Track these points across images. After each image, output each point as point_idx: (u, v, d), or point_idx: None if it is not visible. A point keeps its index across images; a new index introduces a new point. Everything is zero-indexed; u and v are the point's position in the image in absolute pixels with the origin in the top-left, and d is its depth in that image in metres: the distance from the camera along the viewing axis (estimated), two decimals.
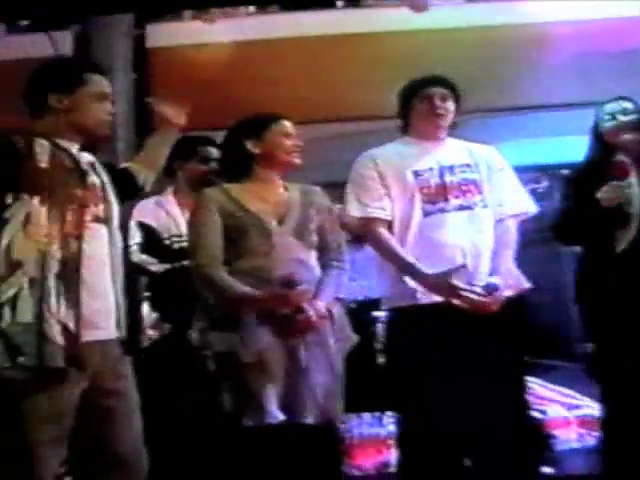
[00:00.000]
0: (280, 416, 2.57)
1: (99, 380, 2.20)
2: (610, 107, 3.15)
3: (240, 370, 2.58)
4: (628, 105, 3.13)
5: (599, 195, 2.93)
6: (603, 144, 3.13)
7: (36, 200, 2.12)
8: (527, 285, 2.87)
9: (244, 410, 2.58)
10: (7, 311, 2.07)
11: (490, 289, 2.71)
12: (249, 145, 2.79)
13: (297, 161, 2.82)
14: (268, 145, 2.79)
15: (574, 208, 3.05)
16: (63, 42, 4.87)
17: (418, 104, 2.98)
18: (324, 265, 2.78)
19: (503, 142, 4.14)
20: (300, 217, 2.76)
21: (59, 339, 2.08)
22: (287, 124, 2.84)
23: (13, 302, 2.07)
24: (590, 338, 3.13)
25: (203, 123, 4.52)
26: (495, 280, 2.75)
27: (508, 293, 2.80)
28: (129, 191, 2.54)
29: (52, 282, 2.09)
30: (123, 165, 2.64)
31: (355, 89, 4.94)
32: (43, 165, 2.15)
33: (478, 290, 2.71)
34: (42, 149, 2.18)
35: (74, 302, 2.11)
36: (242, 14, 5.23)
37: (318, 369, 2.65)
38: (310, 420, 2.61)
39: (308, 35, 5.15)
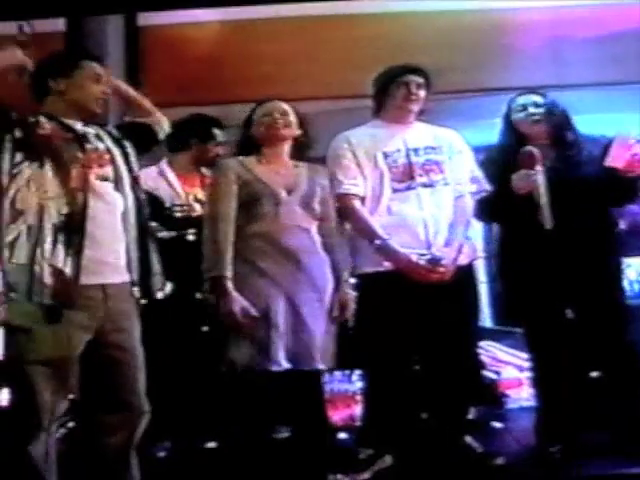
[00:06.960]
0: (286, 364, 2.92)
1: (102, 334, 2.46)
2: (522, 99, 3.29)
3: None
4: (539, 99, 3.27)
5: (512, 183, 3.13)
6: (514, 131, 3.29)
7: (36, 165, 2.41)
8: (481, 254, 3.10)
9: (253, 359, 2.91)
10: (6, 253, 2.38)
11: (432, 262, 3.01)
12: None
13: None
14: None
15: (494, 190, 3.20)
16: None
17: (395, 89, 3.19)
18: (323, 236, 3.11)
19: (476, 122, 4.41)
20: (307, 191, 3.09)
21: (48, 280, 2.35)
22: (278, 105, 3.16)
23: (12, 245, 2.39)
24: (512, 311, 3.34)
25: (194, 100, 4.80)
26: (440, 253, 3.03)
27: (463, 261, 3.11)
28: (147, 143, 2.81)
29: (49, 231, 2.37)
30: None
31: (340, 68, 5.17)
32: (42, 132, 2.43)
33: (422, 263, 3.01)
34: (44, 122, 2.46)
35: (76, 250, 2.38)
36: None
37: (316, 320, 3.00)
38: (315, 366, 2.98)
39: (296, 15, 5.36)
